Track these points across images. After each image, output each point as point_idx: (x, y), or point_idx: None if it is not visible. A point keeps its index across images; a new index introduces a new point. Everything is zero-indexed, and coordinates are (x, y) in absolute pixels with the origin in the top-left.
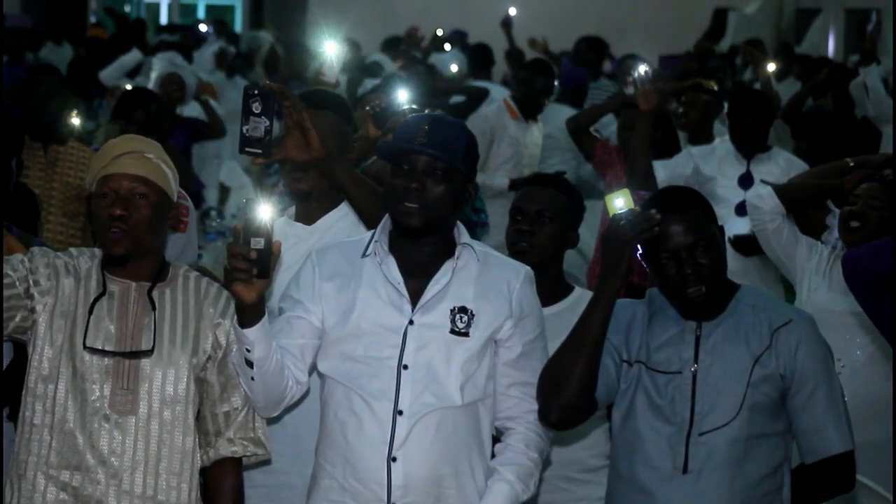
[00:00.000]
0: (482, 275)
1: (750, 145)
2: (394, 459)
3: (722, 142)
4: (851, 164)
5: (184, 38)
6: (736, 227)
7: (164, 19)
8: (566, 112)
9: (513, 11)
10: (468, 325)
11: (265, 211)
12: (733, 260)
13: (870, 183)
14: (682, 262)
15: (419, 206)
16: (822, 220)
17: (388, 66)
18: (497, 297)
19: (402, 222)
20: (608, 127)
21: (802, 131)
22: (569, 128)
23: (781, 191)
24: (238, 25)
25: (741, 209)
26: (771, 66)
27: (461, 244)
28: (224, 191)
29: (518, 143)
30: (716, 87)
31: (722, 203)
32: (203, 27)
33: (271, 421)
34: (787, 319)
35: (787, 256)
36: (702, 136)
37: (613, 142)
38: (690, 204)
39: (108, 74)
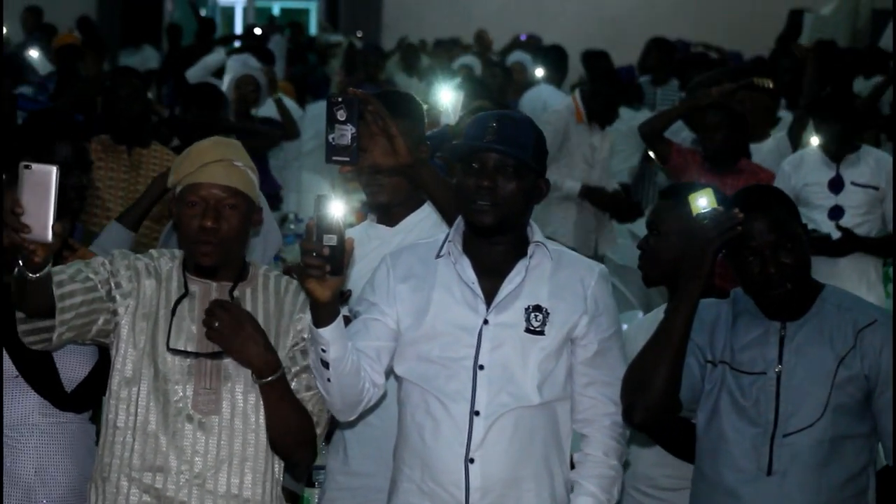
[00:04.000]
0: (556, 273)
1: (837, 149)
2: (471, 461)
3: (776, 137)
4: None
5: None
6: (828, 230)
7: (238, 21)
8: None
9: None
10: (543, 323)
11: (337, 208)
12: (828, 262)
13: None
14: (766, 261)
15: (492, 205)
16: None
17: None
18: (572, 295)
19: (475, 221)
20: (678, 133)
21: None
22: (642, 132)
23: None
24: (313, 28)
25: (833, 214)
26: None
27: (534, 242)
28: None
29: (584, 147)
30: (770, 85)
31: (815, 209)
32: (258, 30)
33: (357, 420)
34: (872, 320)
35: None
36: (755, 136)
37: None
38: (774, 202)
39: (193, 75)
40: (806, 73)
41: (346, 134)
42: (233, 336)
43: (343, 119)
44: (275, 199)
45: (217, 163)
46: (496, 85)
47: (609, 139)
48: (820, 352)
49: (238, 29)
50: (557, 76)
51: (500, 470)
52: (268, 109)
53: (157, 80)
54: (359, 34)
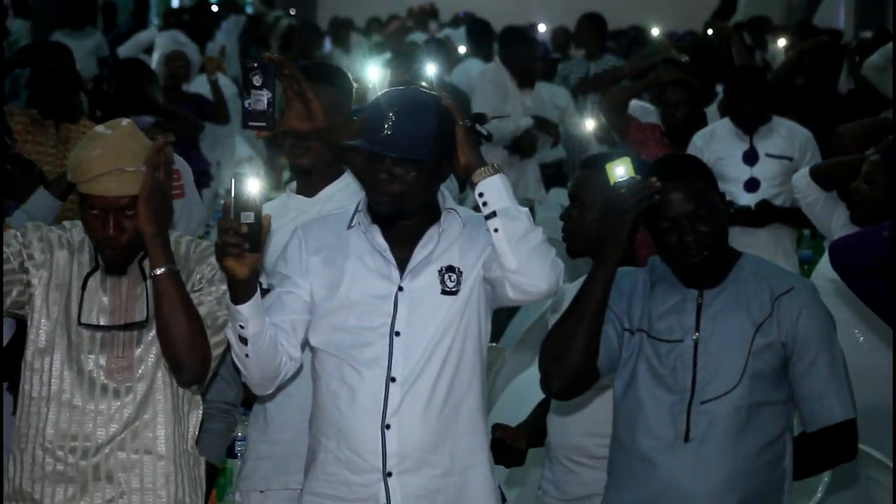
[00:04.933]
0: (464, 232)
1: (749, 121)
2: (388, 427)
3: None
4: None
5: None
6: (745, 203)
7: (175, 1)
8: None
9: None
10: (458, 283)
11: (254, 185)
12: (746, 233)
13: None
14: (683, 230)
15: (390, 197)
16: None
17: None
18: (479, 246)
19: (376, 210)
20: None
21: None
22: (601, 108)
23: (815, 172)
24: (249, 7)
25: (749, 186)
26: (781, 42)
27: (446, 209)
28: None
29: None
30: (686, 59)
31: (731, 181)
32: (214, 7)
33: (277, 391)
34: (789, 287)
35: (824, 228)
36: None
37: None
38: (691, 171)
39: (125, 50)
40: (734, 50)
41: (263, 99)
42: (157, 193)
43: (259, 84)
44: (204, 176)
45: (108, 175)
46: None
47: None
48: (737, 319)
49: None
50: (483, 51)
51: (417, 435)
52: (199, 85)
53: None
54: (292, 12)
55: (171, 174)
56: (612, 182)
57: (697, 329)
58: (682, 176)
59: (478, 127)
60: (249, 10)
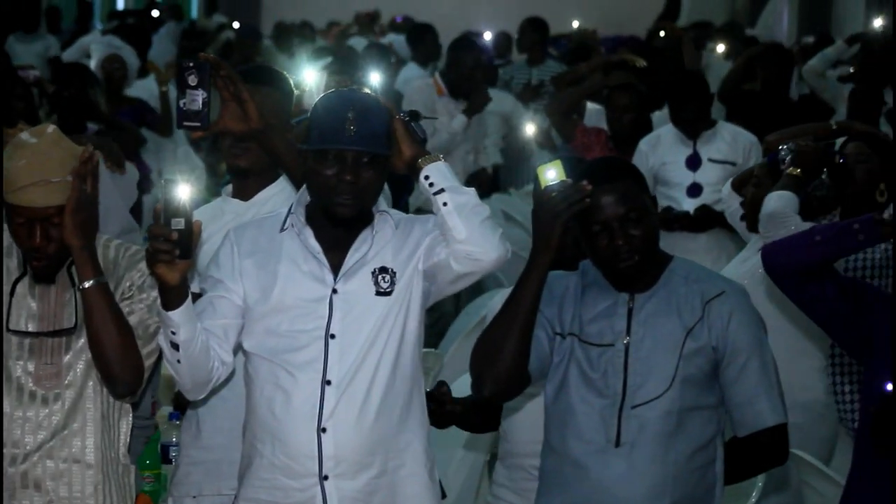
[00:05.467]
0: (398, 234)
1: (692, 126)
2: (323, 430)
3: (653, 117)
4: (834, 126)
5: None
6: (688, 209)
7: (120, 4)
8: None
9: None
10: (391, 283)
11: (184, 191)
12: (687, 238)
13: (853, 142)
14: (614, 234)
15: (353, 198)
16: None
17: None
18: (412, 246)
19: (336, 214)
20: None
21: (736, 113)
22: (548, 111)
23: (734, 181)
24: (194, 11)
25: (692, 191)
26: (720, 48)
27: (378, 212)
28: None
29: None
30: (643, 63)
31: (674, 187)
32: (155, 12)
33: (209, 395)
34: (720, 291)
35: (746, 238)
36: None
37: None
38: (622, 174)
39: (69, 55)
40: (684, 52)
41: (198, 99)
42: (84, 206)
43: (194, 84)
44: (145, 181)
45: (33, 186)
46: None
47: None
48: (668, 323)
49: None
50: (425, 56)
51: (353, 438)
52: (139, 90)
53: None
54: (235, 25)
55: (97, 185)
56: (543, 186)
57: (628, 333)
58: (614, 179)
59: (412, 124)
60: (194, 15)
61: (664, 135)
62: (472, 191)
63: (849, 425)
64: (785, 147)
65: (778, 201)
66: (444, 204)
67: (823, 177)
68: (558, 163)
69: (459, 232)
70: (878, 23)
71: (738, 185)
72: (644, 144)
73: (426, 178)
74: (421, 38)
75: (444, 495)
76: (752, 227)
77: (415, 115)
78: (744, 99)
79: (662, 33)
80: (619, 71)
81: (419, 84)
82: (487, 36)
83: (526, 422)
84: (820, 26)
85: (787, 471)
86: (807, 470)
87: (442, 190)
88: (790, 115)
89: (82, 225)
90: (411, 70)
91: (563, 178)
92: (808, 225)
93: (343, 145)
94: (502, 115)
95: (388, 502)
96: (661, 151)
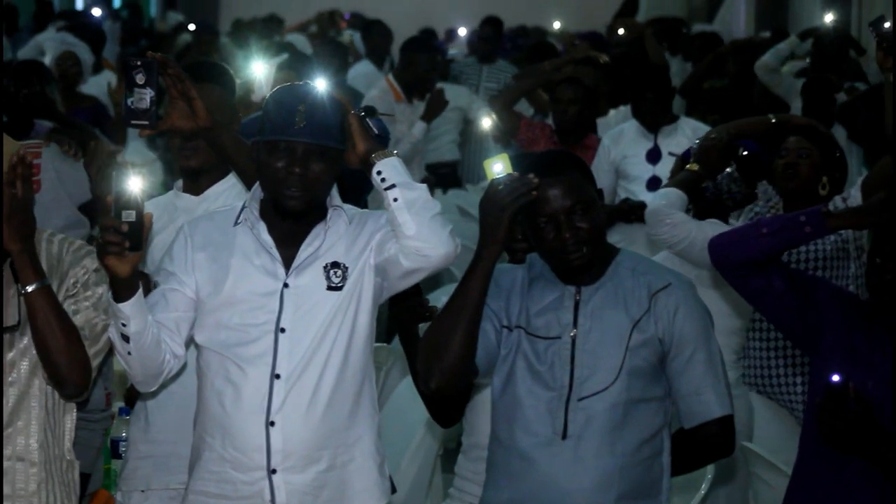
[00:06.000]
0: (351, 229)
1: (654, 120)
2: (272, 424)
3: (616, 112)
4: (773, 119)
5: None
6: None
7: (79, 4)
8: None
9: None
10: (343, 278)
11: (135, 183)
12: (645, 229)
13: (794, 137)
14: (561, 226)
15: (302, 191)
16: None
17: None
18: (363, 242)
19: (285, 206)
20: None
21: (701, 109)
22: (492, 106)
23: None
24: (153, 9)
25: (651, 184)
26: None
27: (332, 207)
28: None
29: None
30: (607, 60)
31: (633, 180)
32: (97, 11)
33: (159, 390)
34: (666, 283)
35: None
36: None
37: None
38: (568, 167)
39: (25, 53)
40: (647, 47)
41: (146, 97)
42: (18, 211)
43: (142, 83)
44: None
45: None
46: (326, 62)
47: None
48: (614, 316)
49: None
50: (377, 52)
51: (301, 432)
52: (93, 87)
53: None
54: (191, 27)
55: (31, 188)
56: (489, 179)
57: (575, 326)
58: (560, 172)
59: (368, 120)
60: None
61: (626, 129)
62: (423, 187)
63: (799, 416)
64: (697, 142)
65: (661, 199)
66: (395, 200)
67: (732, 171)
68: (505, 156)
69: (409, 228)
70: (829, 18)
71: None
72: (607, 139)
73: (378, 173)
74: (370, 34)
75: (394, 490)
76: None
77: (370, 111)
78: (709, 94)
79: (622, 31)
80: (585, 67)
81: (377, 92)
82: (462, 32)
83: (488, 414)
84: (777, 21)
85: (735, 462)
86: (757, 462)
87: (393, 185)
88: (756, 111)
89: (19, 229)
90: (364, 66)
91: (510, 171)
92: (683, 219)
93: (292, 137)
94: (458, 110)
95: (337, 497)
96: (623, 145)
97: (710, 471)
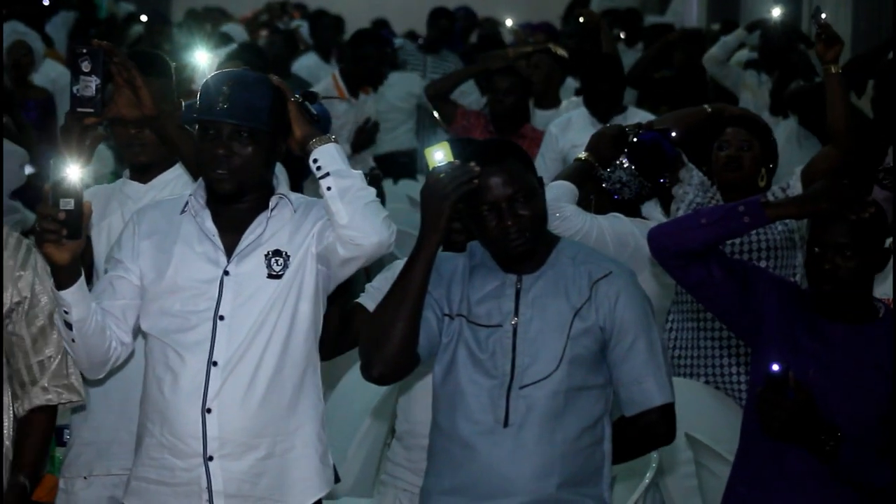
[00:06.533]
0: (296, 218)
1: (605, 110)
2: (208, 411)
3: (568, 103)
4: (709, 109)
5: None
6: None
7: None
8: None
9: None
10: (284, 266)
11: (74, 172)
12: None
13: (734, 127)
14: (503, 214)
15: (229, 172)
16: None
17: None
18: (306, 230)
19: (215, 188)
20: (468, 95)
21: (651, 98)
22: (428, 94)
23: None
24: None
25: None
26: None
27: (277, 195)
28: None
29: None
30: (565, 53)
31: None
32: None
33: (103, 377)
34: (607, 271)
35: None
36: (546, 100)
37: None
38: (509, 155)
39: None
40: (602, 38)
41: (91, 85)
42: None
43: (88, 70)
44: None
45: None
46: (274, 53)
47: (373, 101)
48: (556, 304)
49: None
50: (325, 44)
51: (237, 419)
52: (41, 78)
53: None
54: (143, 18)
55: None
56: (430, 167)
57: (516, 314)
58: (501, 160)
59: (307, 104)
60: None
61: (575, 118)
62: (358, 174)
63: (740, 405)
64: None
65: (549, 193)
66: (329, 188)
67: (623, 162)
68: (446, 144)
69: (342, 217)
70: (776, 12)
71: None
72: (554, 127)
73: (314, 161)
74: (318, 26)
75: (337, 479)
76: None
77: (311, 97)
78: (659, 85)
79: (582, 19)
80: (543, 56)
81: (320, 88)
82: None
83: (425, 401)
84: (727, 13)
85: (676, 451)
86: (702, 451)
87: (327, 174)
88: (706, 100)
89: None
90: (309, 58)
91: (451, 159)
92: (573, 212)
93: (213, 117)
94: (411, 96)
95: (277, 485)
96: (572, 134)
97: (654, 459)
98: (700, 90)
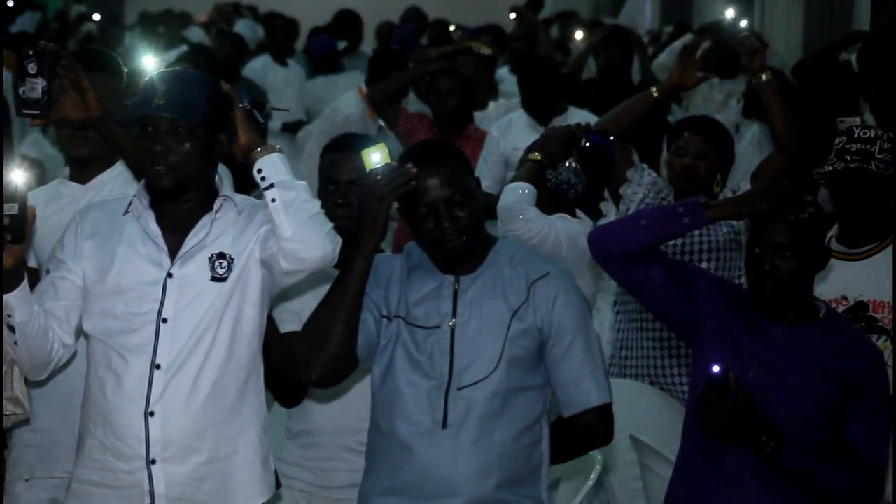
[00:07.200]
0: (241, 220)
1: (543, 112)
2: (151, 414)
3: (496, 105)
4: (656, 94)
5: None
6: None
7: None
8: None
9: None
10: (228, 269)
11: (18, 176)
12: None
13: (692, 134)
14: (440, 216)
15: (167, 169)
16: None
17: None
18: (249, 234)
19: (153, 185)
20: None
21: (576, 101)
22: (372, 97)
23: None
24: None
25: None
26: (579, 34)
27: (221, 196)
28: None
29: None
30: (488, 52)
31: None
32: (10, 2)
33: (45, 378)
34: (545, 272)
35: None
36: (474, 101)
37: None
38: (446, 157)
39: None
40: (538, 39)
41: (37, 87)
42: None
43: (34, 72)
44: None
45: None
46: (222, 55)
47: None
48: (493, 305)
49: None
50: (279, 47)
51: (180, 423)
52: None
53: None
54: (96, 17)
55: None
56: (367, 169)
57: (454, 315)
58: (438, 161)
59: (255, 112)
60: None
61: (515, 120)
62: (302, 185)
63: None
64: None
65: (512, 194)
66: (273, 200)
67: (573, 163)
68: (382, 146)
69: (285, 230)
70: (729, 14)
71: None
72: (495, 130)
73: (259, 171)
74: (272, 28)
75: (279, 485)
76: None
77: (259, 105)
78: (584, 86)
79: (513, 16)
80: (467, 58)
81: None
82: None
83: (325, 399)
84: (681, 16)
85: (621, 453)
86: (646, 453)
87: (272, 185)
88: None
89: None
90: (261, 60)
91: (388, 160)
92: (535, 214)
93: (150, 112)
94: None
95: (219, 489)
96: (512, 137)
97: (598, 461)
98: (626, 92)
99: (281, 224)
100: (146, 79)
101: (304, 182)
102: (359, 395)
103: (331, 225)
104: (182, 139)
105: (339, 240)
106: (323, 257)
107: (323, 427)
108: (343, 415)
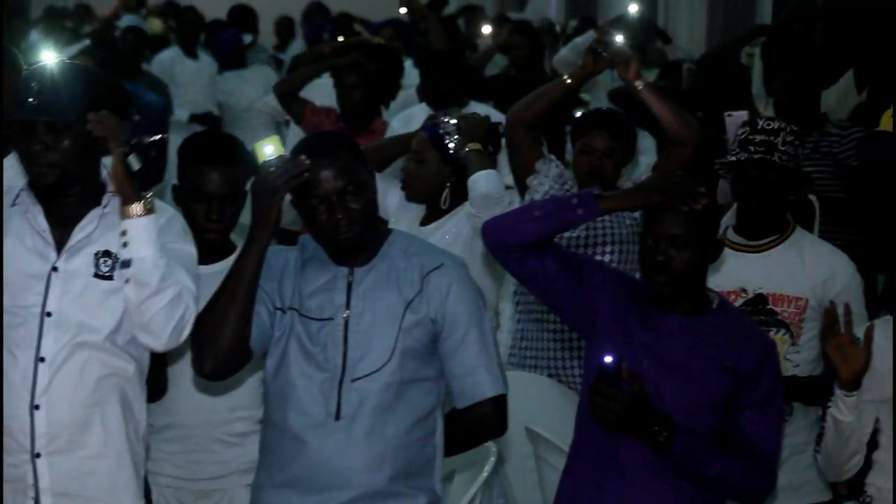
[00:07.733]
0: None
1: (443, 105)
2: (37, 407)
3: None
4: (568, 81)
5: None
6: None
7: None
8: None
9: None
10: (112, 268)
11: None
12: None
13: (597, 131)
14: (334, 207)
15: (48, 168)
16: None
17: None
18: None
19: (36, 183)
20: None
21: (487, 93)
22: (277, 92)
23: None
24: None
25: None
26: (486, 29)
27: (110, 192)
28: None
29: None
30: (380, 41)
31: None
32: None
33: None
34: (439, 264)
35: None
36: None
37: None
38: (340, 148)
39: None
40: (430, 31)
41: None
42: None
43: None
44: None
45: None
46: (125, 49)
47: None
48: (387, 296)
49: None
50: (188, 38)
51: (66, 415)
52: None
53: None
54: None
55: None
56: (260, 161)
57: (348, 307)
58: (332, 153)
59: (130, 158)
60: None
61: (417, 113)
62: (163, 264)
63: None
64: (443, 120)
65: (489, 182)
66: (127, 281)
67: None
68: (276, 138)
69: (135, 315)
70: (632, 9)
71: None
72: (396, 122)
73: (123, 232)
74: (183, 20)
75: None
76: (414, 199)
77: (142, 147)
78: (497, 82)
79: (403, 10)
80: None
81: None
82: None
83: (190, 389)
84: (586, 10)
85: (517, 445)
86: (542, 445)
87: (129, 262)
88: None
89: None
90: (169, 52)
91: (282, 152)
92: (514, 198)
93: (25, 114)
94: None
95: (108, 485)
96: (413, 128)
97: (493, 452)
98: (540, 83)
99: (130, 305)
100: (24, 75)
101: (164, 260)
102: (228, 386)
103: (185, 305)
104: (61, 137)
105: (191, 323)
106: (167, 348)
107: (190, 420)
108: (212, 406)
